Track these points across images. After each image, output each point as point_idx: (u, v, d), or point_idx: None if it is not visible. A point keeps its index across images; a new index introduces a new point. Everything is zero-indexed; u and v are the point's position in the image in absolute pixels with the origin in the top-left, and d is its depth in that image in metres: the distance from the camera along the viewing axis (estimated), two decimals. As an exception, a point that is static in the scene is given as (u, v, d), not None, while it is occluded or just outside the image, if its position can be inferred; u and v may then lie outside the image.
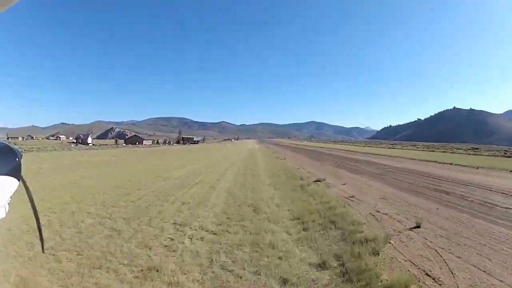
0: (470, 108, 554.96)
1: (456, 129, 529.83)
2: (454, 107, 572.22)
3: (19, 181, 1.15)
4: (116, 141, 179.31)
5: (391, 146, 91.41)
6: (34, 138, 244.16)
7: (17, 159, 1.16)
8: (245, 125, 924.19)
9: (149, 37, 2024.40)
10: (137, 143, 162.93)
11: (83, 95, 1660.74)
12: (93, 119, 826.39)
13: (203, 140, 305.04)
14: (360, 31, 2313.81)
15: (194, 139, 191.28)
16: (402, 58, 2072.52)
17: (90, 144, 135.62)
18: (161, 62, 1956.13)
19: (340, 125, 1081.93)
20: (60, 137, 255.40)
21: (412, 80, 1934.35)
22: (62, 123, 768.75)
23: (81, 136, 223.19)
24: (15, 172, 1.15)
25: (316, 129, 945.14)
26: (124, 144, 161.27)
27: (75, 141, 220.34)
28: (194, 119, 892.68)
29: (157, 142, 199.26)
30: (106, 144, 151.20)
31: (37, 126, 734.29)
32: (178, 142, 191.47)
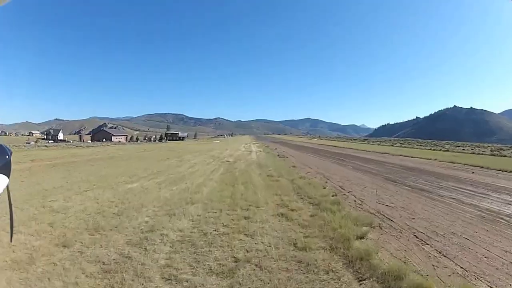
0: (471, 107, 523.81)
1: (456, 128, 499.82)
2: (455, 105, 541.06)
3: (9, 178, 1.11)
4: (80, 137, 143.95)
5: (448, 148, 57.50)
6: (7, 134, 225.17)
7: (7, 156, 1.13)
8: (241, 121, 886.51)
9: (144, 34, 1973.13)
10: (104, 139, 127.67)
11: (79, 91, 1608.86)
12: (88, 115, 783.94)
13: (195, 136, 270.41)
14: (356, 29, 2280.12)
15: (179, 135, 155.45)
16: (400, 56, 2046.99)
17: (51, 142, 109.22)
18: (157, 58, 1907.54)
19: (335, 122, 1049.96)
20: (33, 133, 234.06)
21: (409, 79, 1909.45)
22: (56, 119, 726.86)
23: (51, 131, 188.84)
24: (5, 170, 1.12)
25: (311, 126, 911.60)
26: (89, 141, 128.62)
27: (45, 136, 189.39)
28: (190, 115, 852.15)
29: (137, 140, 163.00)
30: (69, 141, 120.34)
31: (31, 122, 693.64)
32: (161, 139, 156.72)
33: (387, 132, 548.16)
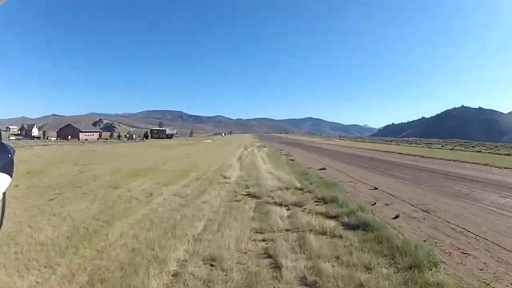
0: (479, 107, 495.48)
1: (464, 128, 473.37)
2: (462, 105, 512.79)
3: (11, 177, 1.13)
4: (44, 134, 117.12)
5: None
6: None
7: (9, 156, 1.13)
8: (241, 119, 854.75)
9: (143, 30, 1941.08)
10: (69, 136, 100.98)
11: (77, 87, 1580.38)
12: (86, 111, 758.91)
13: (190, 134, 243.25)
14: (358, 26, 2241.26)
15: (167, 132, 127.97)
16: (402, 54, 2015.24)
17: (15, 138, 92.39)
18: (157, 55, 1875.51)
19: (337, 122, 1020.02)
20: (10, 128, 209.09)
21: (412, 78, 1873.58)
22: (53, 114, 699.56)
23: (25, 127, 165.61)
24: (8, 169, 1.12)
25: (313, 125, 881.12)
26: (53, 138, 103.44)
27: (19, 132, 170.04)
28: (190, 113, 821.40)
29: (119, 137, 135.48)
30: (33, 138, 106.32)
31: (28, 117, 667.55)
32: (146, 137, 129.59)
33: (392, 132, 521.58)
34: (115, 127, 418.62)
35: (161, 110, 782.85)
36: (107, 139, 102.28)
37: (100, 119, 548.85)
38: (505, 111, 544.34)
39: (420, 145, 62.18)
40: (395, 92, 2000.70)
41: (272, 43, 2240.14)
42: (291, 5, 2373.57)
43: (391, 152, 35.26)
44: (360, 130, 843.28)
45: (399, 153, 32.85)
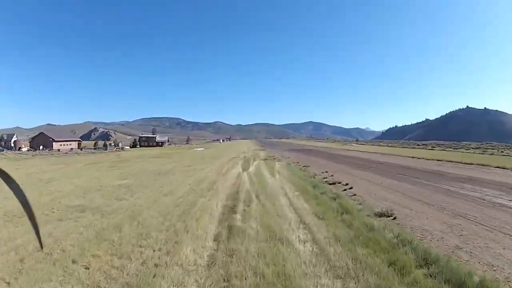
0: (485, 108, 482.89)
1: (470, 129, 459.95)
2: (467, 106, 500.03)
3: None
4: (15, 144, 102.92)
5: None
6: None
7: None
8: (241, 125, 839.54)
9: (138, 35, 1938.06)
10: (41, 146, 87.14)
11: (72, 95, 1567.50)
12: (83, 120, 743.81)
13: (187, 141, 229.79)
14: (358, 28, 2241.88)
15: (157, 139, 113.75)
16: (404, 55, 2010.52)
17: None
18: (155, 61, 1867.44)
19: (338, 125, 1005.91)
20: None
21: (415, 79, 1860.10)
22: (48, 124, 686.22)
23: (5, 137, 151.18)
24: None
25: (314, 130, 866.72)
26: (25, 149, 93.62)
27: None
28: (188, 119, 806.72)
29: (105, 146, 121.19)
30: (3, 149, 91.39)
31: (21, 128, 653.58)
32: (135, 145, 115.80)
33: (396, 134, 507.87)
34: (111, 136, 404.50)
35: (159, 117, 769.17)
36: (81, 149, 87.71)
37: (96, 128, 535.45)
38: (510, 112, 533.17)
39: (461, 149, 48.20)
40: (397, 94, 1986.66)
41: (271, 45, 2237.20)
42: (290, 6, 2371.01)
43: (497, 166, 21.17)
44: (362, 133, 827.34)
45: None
